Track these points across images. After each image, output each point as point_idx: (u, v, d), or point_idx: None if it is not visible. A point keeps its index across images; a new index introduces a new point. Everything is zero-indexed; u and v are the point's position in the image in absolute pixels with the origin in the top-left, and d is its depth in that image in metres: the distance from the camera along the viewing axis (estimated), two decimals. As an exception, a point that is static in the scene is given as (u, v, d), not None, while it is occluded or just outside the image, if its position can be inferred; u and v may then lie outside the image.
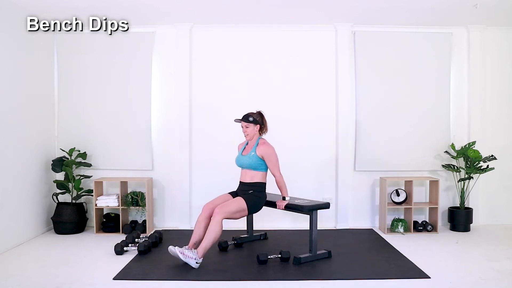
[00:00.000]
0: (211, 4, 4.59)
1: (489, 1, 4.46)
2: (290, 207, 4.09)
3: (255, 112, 4.17)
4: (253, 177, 4.06)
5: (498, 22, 5.20)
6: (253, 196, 4.01)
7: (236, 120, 4.17)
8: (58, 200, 5.09)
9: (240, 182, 4.18)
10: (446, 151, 5.26)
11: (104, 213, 5.21)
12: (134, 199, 5.06)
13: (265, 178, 4.12)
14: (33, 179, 4.87)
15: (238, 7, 4.71)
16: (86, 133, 5.30)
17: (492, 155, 5.04)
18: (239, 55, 5.33)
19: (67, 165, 4.99)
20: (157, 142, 5.34)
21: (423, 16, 4.96)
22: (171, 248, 3.80)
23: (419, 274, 3.62)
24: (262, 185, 4.10)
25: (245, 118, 4.11)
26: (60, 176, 5.21)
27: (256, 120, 4.10)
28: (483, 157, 5.04)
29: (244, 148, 4.20)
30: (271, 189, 4.32)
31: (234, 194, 4.13)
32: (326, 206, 4.13)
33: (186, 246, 3.84)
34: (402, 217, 5.23)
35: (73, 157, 5.16)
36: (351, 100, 5.31)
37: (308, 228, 4.07)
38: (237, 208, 3.90)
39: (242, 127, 4.13)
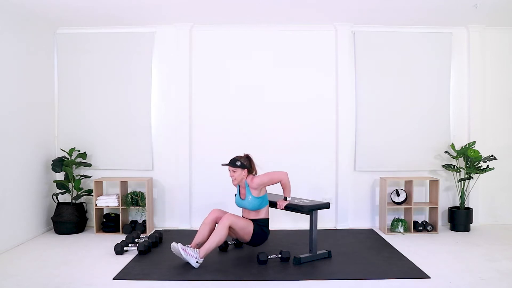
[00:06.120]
0: (211, 4, 4.59)
1: (489, 1, 4.45)
2: (290, 207, 4.09)
3: (242, 155, 4.06)
4: (258, 215, 4.06)
5: (498, 22, 5.20)
6: (260, 227, 4.02)
7: (223, 165, 4.07)
8: (58, 200, 5.09)
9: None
10: (446, 151, 5.27)
11: (104, 213, 5.21)
12: (134, 199, 5.06)
13: (268, 213, 4.10)
14: (33, 179, 4.87)
15: (238, 7, 4.70)
16: (86, 133, 5.30)
17: (492, 155, 5.04)
18: (239, 55, 5.33)
19: (67, 165, 4.99)
20: (157, 142, 5.34)
21: (423, 16, 4.96)
22: (173, 244, 3.79)
23: (419, 274, 3.62)
24: (267, 221, 4.10)
25: (232, 163, 3.99)
26: (60, 176, 5.22)
27: (244, 164, 3.98)
28: (483, 157, 5.04)
29: (239, 191, 4.12)
30: (272, 189, 4.33)
31: None
32: (326, 206, 4.12)
33: (189, 245, 3.84)
34: (402, 217, 5.23)
35: (73, 157, 5.16)
36: (351, 100, 5.31)
37: (308, 228, 4.07)
38: (244, 226, 3.93)
39: (230, 171, 4.02)
